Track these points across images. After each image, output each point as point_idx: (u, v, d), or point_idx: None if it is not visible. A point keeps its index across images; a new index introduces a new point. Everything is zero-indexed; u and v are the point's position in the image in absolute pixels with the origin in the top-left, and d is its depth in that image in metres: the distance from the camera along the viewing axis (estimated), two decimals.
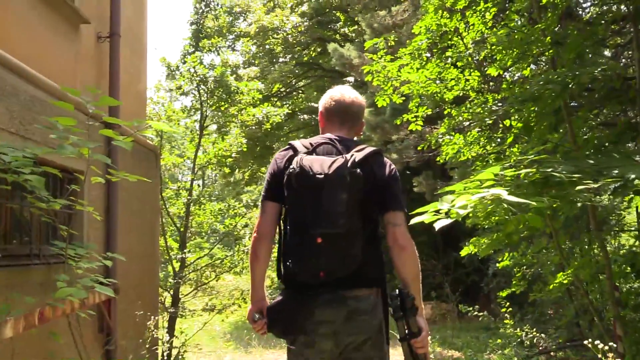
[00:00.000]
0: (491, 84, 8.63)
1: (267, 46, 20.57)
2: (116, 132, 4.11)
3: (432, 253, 17.62)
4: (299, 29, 20.06)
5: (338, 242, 2.49)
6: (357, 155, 2.63)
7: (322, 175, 2.50)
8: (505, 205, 3.11)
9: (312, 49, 22.54)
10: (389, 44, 8.95)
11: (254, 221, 11.25)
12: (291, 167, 2.59)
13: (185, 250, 11.23)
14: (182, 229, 11.44)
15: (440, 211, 2.97)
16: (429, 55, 8.50)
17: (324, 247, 2.48)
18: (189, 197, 11.44)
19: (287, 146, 2.84)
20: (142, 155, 8.17)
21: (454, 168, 13.24)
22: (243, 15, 21.19)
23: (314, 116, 21.31)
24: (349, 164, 2.53)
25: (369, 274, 2.63)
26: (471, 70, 8.37)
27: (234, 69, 17.83)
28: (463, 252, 8.38)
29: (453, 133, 8.51)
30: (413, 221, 2.86)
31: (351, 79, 20.84)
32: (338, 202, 2.47)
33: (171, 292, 11.16)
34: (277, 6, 20.38)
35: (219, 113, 12.10)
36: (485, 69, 8.03)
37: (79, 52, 6.25)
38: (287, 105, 22.16)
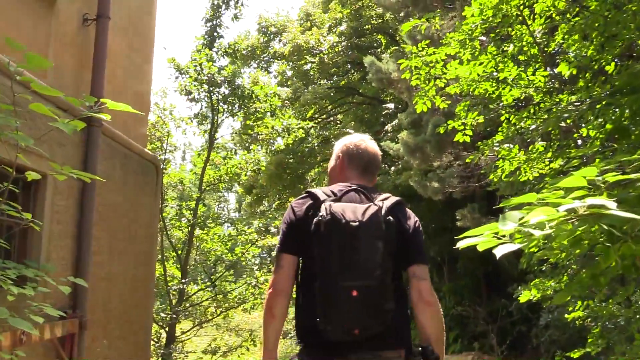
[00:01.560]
0: (559, 85, 6.76)
1: (302, 67, 18.94)
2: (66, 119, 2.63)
3: (474, 298, 15.71)
4: (336, 49, 18.35)
5: (373, 295, 2.29)
6: (386, 203, 2.45)
7: (357, 223, 2.31)
8: (605, 227, 2.12)
9: (351, 73, 20.85)
10: (433, 27, 7.04)
11: (264, 244, 9.48)
12: (320, 214, 2.36)
13: (185, 280, 9.35)
14: (183, 255, 9.59)
15: (501, 232, 1.98)
16: (483, 38, 6.60)
17: (360, 300, 2.26)
18: (192, 219, 9.62)
19: (305, 194, 2.61)
20: (137, 165, 6.73)
21: (506, 196, 11.28)
22: (279, 36, 19.59)
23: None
24: (383, 211, 2.38)
25: (398, 332, 2.43)
26: (537, 66, 6.49)
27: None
28: (523, 298, 6.43)
29: (510, 146, 6.55)
30: (461, 244, 2.02)
31: (391, 105, 19.05)
32: (375, 251, 2.30)
33: (166, 328, 9.25)
34: (315, 25, 18.71)
35: (232, 123, 10.34)
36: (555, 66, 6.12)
37: (55, 34, 5.13)
38: (319, 129, 20.38)
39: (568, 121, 5.63)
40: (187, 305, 9.76)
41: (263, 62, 19.95)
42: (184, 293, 9.39)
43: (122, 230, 6.40)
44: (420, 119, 11.50)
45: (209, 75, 9.09)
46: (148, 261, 7.62)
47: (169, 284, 9.52)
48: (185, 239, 9.86)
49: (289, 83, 18.81)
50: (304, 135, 11.55)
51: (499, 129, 6.83)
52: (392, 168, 16.03)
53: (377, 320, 2.30)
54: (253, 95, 9.62)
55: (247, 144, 12.42)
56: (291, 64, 18.59)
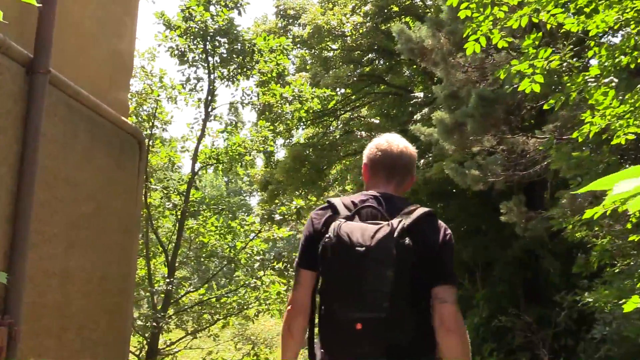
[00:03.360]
0: None
1: (322, 51, 16.95)
2: None
3: (511, 307, 13.76)
4: (360, 31, 16.32)
5: (381, 329, 2.02)
6: (405, 220, 2.15)
7: (363, 248, 2.04)
8: None
9: (377, 62, 18.82)
10: None
11: (270, 237, 7.56)
12: (327, 235, 2.12)
13: (171, 280, 7.37)
14: (170, 250, 7.65)
15: None
16: None
17: (365, 335, 2.03)
18: (183, 206, 7.68)
19: (326, 204, 2.36)
20: (112, 137, 5.32)
21: (563, 187, 9.27)
22: (298, 19, 17.63)
23: (373, 133, 17.36)
24: (396, 233, 2.07)
25: None
26: None
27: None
28: (629, 307, 4.39)
29: (613, 80, 4.53)
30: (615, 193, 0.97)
31: (420, 94, 16.97)
32: (381, 280, 2.02)
33: (149, 338, 7.28)
34: (336, 5, 16.69)
35: (234, 92, 8.41)
36: None
37: None
38: (340, 124, 18.37)
39: None
40: (176, 310, 7.78)
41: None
42: (170, 296, 7.43)
43: (87, 217, 4.73)
44: (459, 91, 9.43)
45: (201, 23, 7.14)
46: (125, 257, 5.81)
47: (155, 286, 7.59)
48: (174, 230, 7.92)
49: (307, 68, 16.78)
50: (319, 107, 9.53)
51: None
52: (422, 161, 14.01)
53: (385, 354, 2.03)
54: (255, 50, 7.66)
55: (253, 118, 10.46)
56: (312, 44, 16.59)
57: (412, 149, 2.52)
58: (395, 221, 2.13)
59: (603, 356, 11.30)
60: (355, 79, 16.83)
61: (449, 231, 2.31)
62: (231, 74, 8.13)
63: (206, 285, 8.65)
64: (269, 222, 7.34)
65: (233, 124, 8.44)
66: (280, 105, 8.65)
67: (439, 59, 9.94)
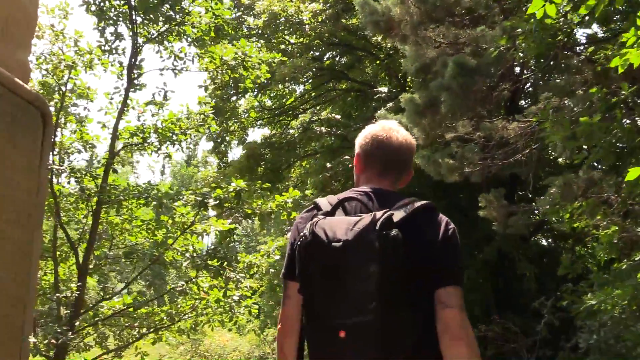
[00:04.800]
0: None
1: (279, 41, 15.46)
2: None
3: (484, 317, 12.47)
4: (319, 19, 14.88)
5: (369, 336, 1.75)
6: (397, 212, 1.88)
7: (340, 243, 1.79)
8: None
9: (337, 57, 17.44)
10: None
11: (206, 231, 5.99)
12: (301, 234, 1.90)
13: (80, 285, 5.70)
14: (81, 249, 6.00)
15: None
16: None
17: (350, 343, 1.77)
18: (98, 195, 6.06)
19: (312, 205, 2.11)
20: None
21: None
22: (252, 9, 16.11)
23: (333, 130, 15.88)
24: (379, 224, 1.79)
25: None
26: None
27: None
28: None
29: None
30: None
31: (384, 89, 15.61)
32: (364, 278, 1.76)
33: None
34: None
35: (161, 49, 6.83)
36: None
37: None
38: (299, 125, 16.90)
39: None
40: (90, 322, 6.12)
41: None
42: (81, 304, 5.78)
43: None
44: (433, 64, 8.00)
45: None
46: (21, 257, 4.19)
47: (63, 292, 5.93)
48: (86, 225, 6.29)
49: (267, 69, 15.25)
50: (268, 74, 7.97)
51: None
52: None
53: None
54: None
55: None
56: (266, 34, 15.09)
57: (412, 140, 2.25)
58: (379, 212, 1.84)
59: None
60: (314, 69, 15.37)
61: (451, 226, 2.02)
62: (160, 32, 6.61)
63: (135, 293, 7.01)
64: (203, 210, 5.76)
65: (163, 95, 6.85)
66: (221, 73, 7.11)
67: (408, 31, 8.52)
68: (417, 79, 8.53)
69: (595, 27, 6.19)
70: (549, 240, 16.09)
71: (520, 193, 13.26)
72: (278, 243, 7.20)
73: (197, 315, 6.82)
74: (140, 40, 6.84)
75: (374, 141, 2.16)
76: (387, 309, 1.74)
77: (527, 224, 9.50)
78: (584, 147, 6.18)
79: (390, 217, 1.82)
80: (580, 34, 14.63)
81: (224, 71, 6.99)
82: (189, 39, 6.77)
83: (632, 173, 3.22)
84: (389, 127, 2.20)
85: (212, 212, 6.70)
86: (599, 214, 6.27)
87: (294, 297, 2.00)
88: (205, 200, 5.42)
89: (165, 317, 6.44)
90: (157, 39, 6.84)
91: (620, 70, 3.42)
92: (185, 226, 5.97)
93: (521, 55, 6.29)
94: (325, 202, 2.05)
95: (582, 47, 6.22)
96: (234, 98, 16.40)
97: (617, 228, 6.11)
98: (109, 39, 6.80)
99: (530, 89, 11.46)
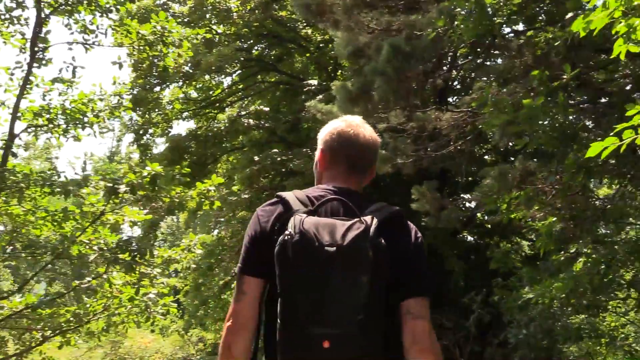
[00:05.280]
0: None
1: (207, 35, 14.75)
2: None
3: None
4: (248, 6, 14.29)
5: (352, 349, 1.69)
6: (376, 216, 1.80)
7: (334, 248, 1.70)
8: None
9: (266, 50, 16.89)
10: None
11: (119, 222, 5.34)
12: (287, 232, 1.75)
13: None
14: None
15: None
16: None
17: (333, 355, 1.68)
18: None
19: (275, 199, 1.97)
20: None
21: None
22: None
23: (262, 122, 15.32)
24: (372, 232, 1.73)
25: None
26: None
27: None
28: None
29: None
30: None
31: (314, 81, 15.17)
32: (355, 288, 1.70)
33: None
34: None
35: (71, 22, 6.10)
36: None
37: None
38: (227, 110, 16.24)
39: None
40: None
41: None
42: None
43: None
44: (366, 48, 7.59)
45: None
46: None
47: None
48: None
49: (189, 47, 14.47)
50: (190, 53, 7.36)
51: None
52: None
53: None
54: None
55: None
56: (193, 22, 14.36)
57: (373, 134, 2.13)
58: (367, 218, 1.78)
59: None
60: (242, 59, 14.76)
61: (419, 234, 1.97)
62: (68, 2, 5.89)
63: (40, 293, 6.26)
64: (114, 199, 5.11)
65: (71, 71, 6.12)
66: (138, 49, 6.44)
67: (340, 16, 8.09)
68: (350, 64, 8.10)
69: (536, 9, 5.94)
70: (475, 237, 16.09)
71: (450, 187, 13.09)
72: (200, 237, 6.65)
73: (109, 316, 6.14)
74: (46, 10, 6.09)
75: (340, 138, 2.07)
76: (369, 322, 1.69)
77: (458, 217, 9.28)
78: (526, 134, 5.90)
79: (377, 224, 1.75)
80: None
81: (142, 47, 6.34)
82: (101, 10, 6.06)
83: (593, 149, 2.85)
84: (355, 124, 2.10)
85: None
86: (536, 204, 6.01)
87: (251, 294, 1.88)
88: (116, 187, 4.78)
89: (72, 318, 5.74)
90: (65, 9, 6.11)
91: (582, 34, 3.07)
92: (95, 216, 5.29)
93: (459, 37, 5.94)
94: (292, 197, 1.92)
95: (522, 30, 5.95)
96: (158, 88, 15.60)
97: (554, 219, 5.85)
98: (9, 5, 5.99)
99: (468, 80, 11.23)
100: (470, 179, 12.23)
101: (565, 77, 5.40)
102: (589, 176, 5.01)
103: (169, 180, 5.35)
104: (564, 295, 5.62)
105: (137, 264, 5.19)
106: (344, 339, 1.66)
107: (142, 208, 5.62)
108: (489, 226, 15.62)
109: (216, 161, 16.15)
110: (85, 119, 6.21)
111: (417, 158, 8.67)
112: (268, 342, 1.89)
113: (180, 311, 25.63)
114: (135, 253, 4.89)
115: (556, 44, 5.37)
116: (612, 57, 3.48)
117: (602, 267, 5.30)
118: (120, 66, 6.18)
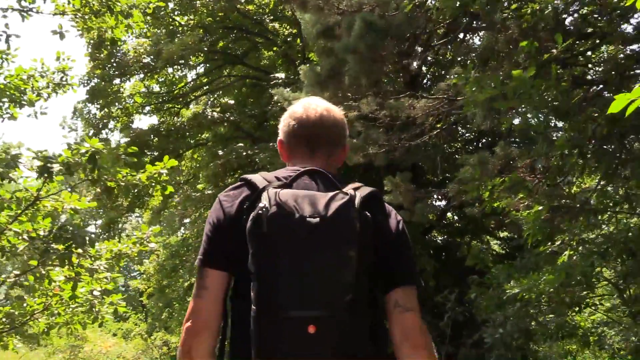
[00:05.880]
0: None
1: (169, 27, 14.02)
2: None
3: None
4: None
5: (341, 332, 1.48)
6: (359, 193, 1.60)
7: (317, 219, 1.50)
8: None
9: (232, 43, 16.20)
10: None
11: (59, 208, 4.63)
12: (261, 205, 1.52)
13: None
14: None
15: None
16: None
17: (321, 341, 1.46)
18: None
19: (240, 182, 1.75)
20: None
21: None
22: None
23: (227, 115, 14.59)
24: (358, 203, 1.55)
25: None
26: None
27: None
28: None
29: None
30: None
31: (282, 75, 14.53)
32: (344, 263, 1.49)
33: None
34: None
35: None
36: None
37: None
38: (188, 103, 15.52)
39: None
40: None
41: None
42: None
43: None
44: (336, 26, 7.00)
45: None
46: None
47: None
48: None
49: (148, 35, 13.70)
50: (142, 24, 6.66)
51: None
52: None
53: None
54: None
55: None
56: (153, 14, 13.61)
57: (336, 111, 1.92)
58: (349, 190, 1.58)
59: None
60: (206, 50, 14.04)
61: (400, 217, 1.76)
62: None
63: None
64: (49, 182, 4.41)
65: (5, 40, 5.38)
66: (82, 18, 5.72)
67: None
68: (318, 46, 7.48)
69: None
70: (445, 237, 15.63)
71: (423, 183, 12.57)
72: (153, 228, 5.99)
73: (49, 316, 5.42)
74: None
75: (299, 121, 1.88)
76: (360, 305, 1.53)
77: (432, 212, 8.75)
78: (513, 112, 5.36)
79: (360, 197, 1.57)
80: None
81: (87, 16, 5.63)
82: None
83: (617, 103, 2.31)
84: (315, 104, 1.90)
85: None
86: (521, 192, 5.48)
87: (213, 289, 1.65)
88: (49, 166, 4.08)
89: (4, 319, 5.00)
90: None
91: None
92: (28, 202, 4.59)
93: (437, 11, 5.38)
94: (259, 179, 1.70)
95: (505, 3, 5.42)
96: (118, 81, 14.80)
97: (540, 208, 5.32)
98: None
99: (444, 64, 10.64)
100: (443, 177, 11.75)
101: (554, 51, 4.89)
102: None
103: (113, 160, 4.68)
104: (552, 289, 5.08)
105: (77, 255, 4.49)
106: (332, 322, 1.45)
107: (82, 193, 4.94)
108: (459, 225, 15.26)
109: (179, 157, 15.44)
110: (24, 98, 5.49)
111: (389, 148, 8.11)
112: (236, 342, 1.65)
113: (144, 314, 24.85)
114: (71, 242, 4.21)
115: (546, 12, 4.84)
116: (627, 4, 2.94)
117: (596, 256, 4.78)
118: (62, 36, 5.47)
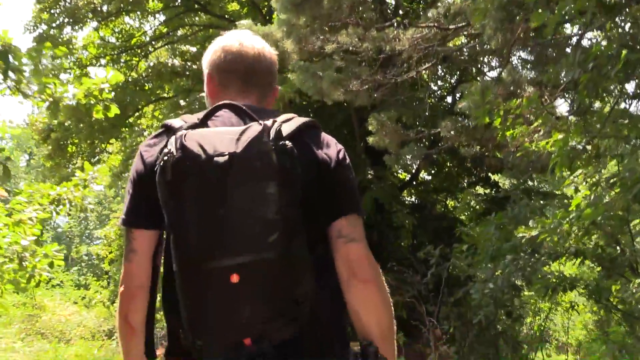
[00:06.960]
0: None
1: None
2: None
3: None
4: None
5: (270, 276, 1.28)
6: (284, 125, 1.39)
7: (226, 157, 1.29)
8: None
9: None
10: None
11: None
12: (165, 151, 1.33)
13: None
14: None
15: None
16: None
17: (247, 289, 1.27)
18: None
19: (161, 129, 1.54)
20: None
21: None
22: None
23: (189, 64, 13.36)
24: (274, 133, 1.33)
25: (325, 334, 1.42)
26: None
27: None
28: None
29: None
30: None
31: (247, 21, 13.36)
32: (263, 201, 1.28)
33: None
34: None
35: None
36: None
37: None
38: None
39: None
40: None
41: None
42: None
43: None
44: None
45: None
46: None
47: None
48: None
49: None
50: None
51: None
52: None
53: (284, 317, 1.27)
54: None
55: None
56: None
57: (271, 50, 1.69)
58: (268, 121, 1.35)
59: (483, 320, 8.92)
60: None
61: (341, 146, 1.55)
62: None
63: None
64: None
65: None
66: None
67: None
68: None
69: None
70: (418, 198, 14.81)
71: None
72: (99, 167, 4.97)
73: None
74: None
75: (227, 54, 1.61)
76: (285, 241, 1.27)
77: (421, 156, 7.80)
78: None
79: (280, 128, 1.34)
80: None
81: None
82: None
83: None
84: (243, 38, 1.63)
85: None
86: (541, 117, 4.52)
87: (142, 250, 1.46)
88: None
89: None
90: None
91: None
92: None
93: None
94: (179, 121, 1.47)
95: None
96: (69, 30, 13.40)
97: (562, 135, 4.37)
98: None
99: None
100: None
101: None
102: None
103: (37, 65, 3.56)
104: (581, 231, 4.17)
105: None
106: (257, 267, 1.23)
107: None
108: (433, 185, 14.44)
109: (139, 112, 14.18)
110: None
111: (373, 83, 7.09)
112: (168, 300, 1.45)
113: (106, 281, 23.68)
114: None
115: None
116: None
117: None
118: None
